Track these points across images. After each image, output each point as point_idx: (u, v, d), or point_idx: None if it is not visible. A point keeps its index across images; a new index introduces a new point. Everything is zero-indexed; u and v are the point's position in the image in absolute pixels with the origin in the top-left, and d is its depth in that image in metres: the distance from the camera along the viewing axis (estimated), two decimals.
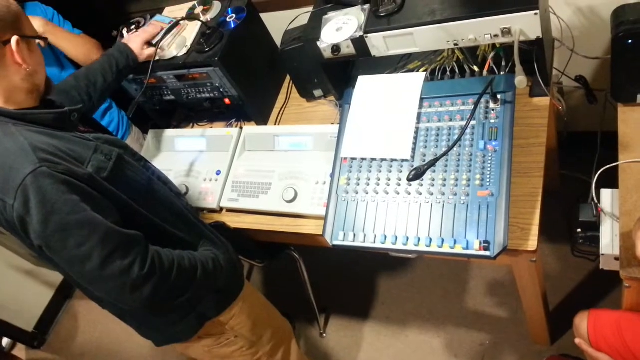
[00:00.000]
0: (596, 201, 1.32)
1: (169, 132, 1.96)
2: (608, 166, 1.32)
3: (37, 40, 1.14)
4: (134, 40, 1.64)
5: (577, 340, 1.31)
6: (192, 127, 2.02)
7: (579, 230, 1.35)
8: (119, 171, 1.11)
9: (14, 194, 0.98)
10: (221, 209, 1.71)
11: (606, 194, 1.33)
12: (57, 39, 1.74)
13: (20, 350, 2.79)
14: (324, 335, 2.24)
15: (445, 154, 1.27)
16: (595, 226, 1.32)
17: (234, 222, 1.66)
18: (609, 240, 1.28)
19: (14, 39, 1.04)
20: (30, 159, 0.98)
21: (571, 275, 1.96)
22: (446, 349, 2.01)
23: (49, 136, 1.05)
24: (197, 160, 1.82)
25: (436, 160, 1.25)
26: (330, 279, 2.34)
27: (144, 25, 1.86)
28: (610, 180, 1.31)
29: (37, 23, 1.69)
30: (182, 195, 1.35)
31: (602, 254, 1.28)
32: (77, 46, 1.81)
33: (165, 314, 1.27)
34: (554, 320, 1.79)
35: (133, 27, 1.93)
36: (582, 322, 1.30)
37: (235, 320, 1.39)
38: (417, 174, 1.23)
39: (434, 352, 2.02)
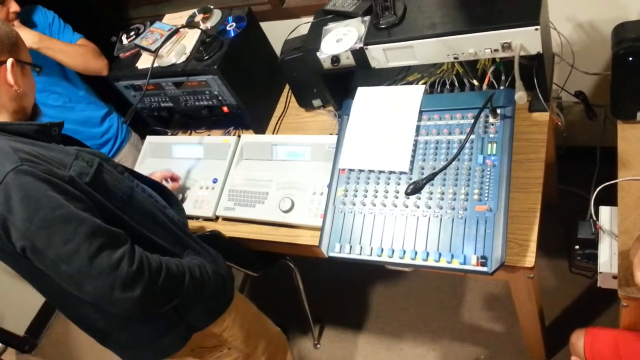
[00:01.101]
0: (595, 218, 1.32)
1: (167, 139, 1.95)
2: (607, 183, 1.31)
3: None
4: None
5: (573, 359, 1.30)
6: (190, 134, 2.01)
7: (577, 247, 1.34)
8: (100, 178, 1.10)
9: None
10: (217, 218, 1.70)
11: (605, 211, 1.33)
12: (54, 52, 1.75)
13: (10, 355, 2.76)
14: (318, 346, 2.22)
15: (444, 168, 1.26)
16: (593, 243, 1.31)
17: (230, 231, 1.65)
18: (607, 258, 1.27)
19: (10, 61, 1.08)
20: (11, 159, 0.98)
21: (568, 291, 1.95)
22: None
23: (30, 144, 1.05)
24: (194, 168, 1.80)
25: (435, 174, 1.25)
26: (325, 289, 2.32)
27: (143, 31, 1.85)
28: (609, 196, 1.31)
29: (34, 38, 1.69)
30: (168, 208, 1.32)
31: (600, 272, 1.27)
32: (74, 57, 1.81)
33: (154, 322, 1.25)
34: (550, 335, 1.78)
35: (132, 33, 1.93)
36: (579, 340, 1.29)
37: (228, 332, 1.38)
38: (415, 189, 1.23)
39: None
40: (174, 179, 1.70)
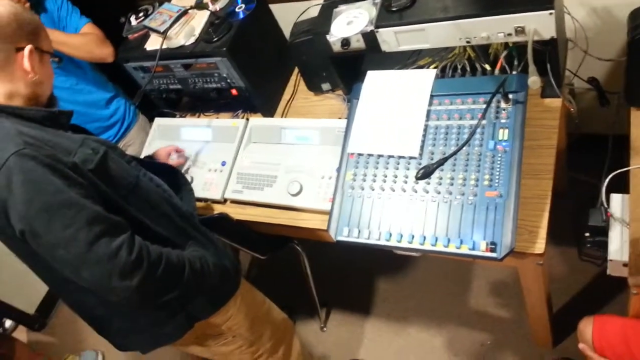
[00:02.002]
0: (606, 206, 1.31)
1: (175, 121, 1.95)
2: (619, 171, 1.30)
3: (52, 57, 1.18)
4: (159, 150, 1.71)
5: (580, 346, 1.30)
6: (198, 116, 2.00)
7: (587, 234, 1.33)
8: (104, 166, 1.10)
9: None
10: (225, 200, 1.70)
11: (616, 199, 1.31)
12: (56, 44, 1.73)
13: (21, 332, 2.81)
14: (325, 329, 2.24)
15: (455, 153, 1.25)
16: (604, 231, 1.30)
17: (238, 214, 1.65)
18: (617, 246, 1.26)
19: (28, 47, 1.08)
20: (14, 142, 0.98)
21: (577, 278, 1.94)
22: (447, 347, 2.00)
23: (38, 129, 1.05)
24: (203, 151, 1.80)
25: (445, 159, 1.23)
26: (332, 273, 2.33)
27: (152, 13, 1.84)
28: (620, 184, 1.29)
29: None
30: (175, 197, 1.31)
31: (610, 260, 1.26)
32: (77, 48, 1.81)
33: (155, 311, 1.25)
34: (557, 323, 1.78)
35: (141, 14, 1.92)
36: (587, 327, 1.29)
37: (232, 321, 1.38)
38: (425, 173, 1.21)
39: (434, 350, 2.01)
40: (179, 152, 1.73)
